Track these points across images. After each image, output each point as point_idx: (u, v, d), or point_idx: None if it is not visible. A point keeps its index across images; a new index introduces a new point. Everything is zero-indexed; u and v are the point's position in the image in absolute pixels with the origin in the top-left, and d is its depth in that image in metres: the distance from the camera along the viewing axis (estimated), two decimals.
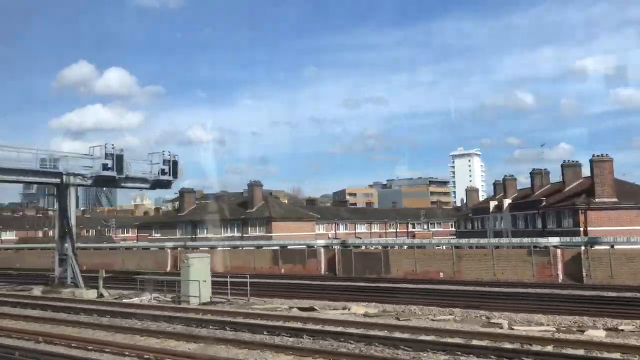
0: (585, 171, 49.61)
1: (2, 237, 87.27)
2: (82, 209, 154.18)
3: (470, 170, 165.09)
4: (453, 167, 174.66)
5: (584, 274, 27.12)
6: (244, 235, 57.83)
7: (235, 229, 60.16)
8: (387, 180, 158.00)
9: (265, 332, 15.06)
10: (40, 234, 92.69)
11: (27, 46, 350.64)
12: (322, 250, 36.48)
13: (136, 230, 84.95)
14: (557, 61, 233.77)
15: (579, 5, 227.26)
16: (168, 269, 40.61)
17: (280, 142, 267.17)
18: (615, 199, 43.65)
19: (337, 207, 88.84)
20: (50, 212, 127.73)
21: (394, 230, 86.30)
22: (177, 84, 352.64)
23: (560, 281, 27.44)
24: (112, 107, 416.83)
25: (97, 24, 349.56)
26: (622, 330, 14.71)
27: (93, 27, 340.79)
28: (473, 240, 38.31)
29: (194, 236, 58.92)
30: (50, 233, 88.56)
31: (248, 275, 24.04)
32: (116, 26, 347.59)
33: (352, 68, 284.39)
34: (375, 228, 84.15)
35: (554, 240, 30.50)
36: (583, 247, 28.19)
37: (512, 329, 15.21)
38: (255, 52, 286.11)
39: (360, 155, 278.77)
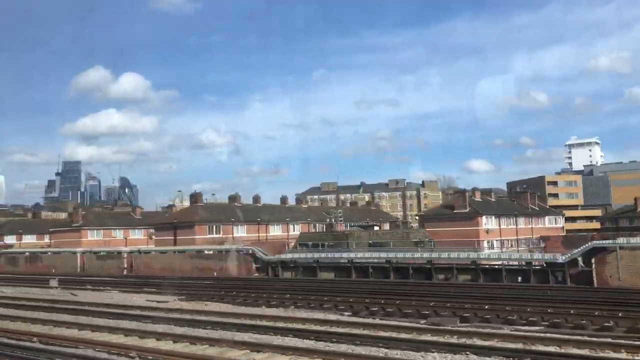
0: None
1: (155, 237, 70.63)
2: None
3: (591, 159, 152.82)
4: (570, 157, 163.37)
5: None
6: None
7: None
8: (584, 166, 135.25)
9: None
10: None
11: (44, 52, 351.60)
12: None
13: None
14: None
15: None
16: None
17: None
18: None
19: None
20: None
21: None
22: (190, 88, 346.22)
23: None
24: (126, 112, 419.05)
25: (113, 30, 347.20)
26: None
27: (109, 33, 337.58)
28: None
29: None
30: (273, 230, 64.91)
31: None
32: (132, 32, 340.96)
33: (361, 70, 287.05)
34: None
35: None
36: None
37: None
38: (267, 55, 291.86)
39: (372, 155, 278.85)
